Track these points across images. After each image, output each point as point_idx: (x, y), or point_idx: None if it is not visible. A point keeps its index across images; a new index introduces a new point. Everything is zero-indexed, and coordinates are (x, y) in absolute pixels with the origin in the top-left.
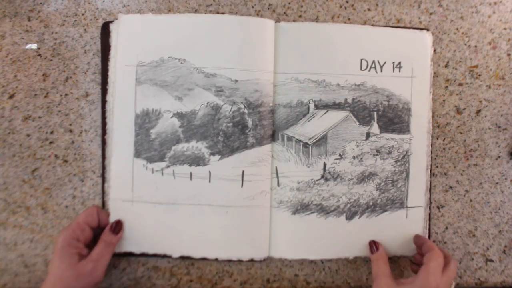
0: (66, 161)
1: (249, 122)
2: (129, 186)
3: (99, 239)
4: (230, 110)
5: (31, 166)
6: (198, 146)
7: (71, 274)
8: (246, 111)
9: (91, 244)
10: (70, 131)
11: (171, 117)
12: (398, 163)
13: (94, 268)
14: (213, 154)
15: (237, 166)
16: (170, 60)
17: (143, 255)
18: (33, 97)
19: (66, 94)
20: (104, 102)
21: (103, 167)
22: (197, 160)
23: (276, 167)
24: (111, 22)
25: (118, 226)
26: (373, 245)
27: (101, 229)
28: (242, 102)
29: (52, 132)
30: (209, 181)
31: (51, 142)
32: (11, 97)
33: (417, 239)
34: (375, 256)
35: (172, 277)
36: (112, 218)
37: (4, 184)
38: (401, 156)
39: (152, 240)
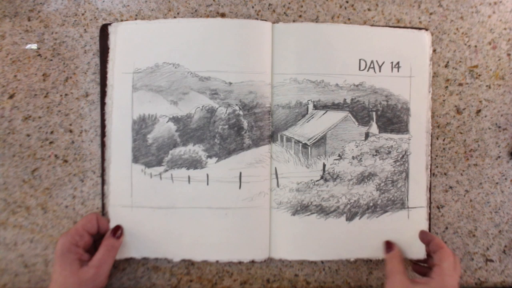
0: (66, 161)
1: (245, 124)
2: (128, 192)
3: (100, 245)
4: (225, 113)
5: (31, 166)
6: (195, 149)
7: (74, 281)
8: (241, 112)
9: (92, 251)
10: (70, 131)
11: (167, 122)
12: (398, 163)
13: (96, 273)
14: (210, 156)
15: (234, 168)
16: (164, 66)
17: (144, 259)
18: (33, 97)
19: (66, 94)
20: (103, 104)
21: (103, 170)
22: (194, 163)
23: (275, 168)
24: (109, 24)
25: (119, 231)
26: (388, 245)
27: (101, 236)
28: (237, 104)
29: (52, 132)
30: (207, 184)
31: (51, 142)
32: (11, 97)
33: (424, 236)
34: (390, 255)
35: (172, 277)
36: (112, 224)
37: (4, 184)
38: (400, 156)
39: (152, 244)
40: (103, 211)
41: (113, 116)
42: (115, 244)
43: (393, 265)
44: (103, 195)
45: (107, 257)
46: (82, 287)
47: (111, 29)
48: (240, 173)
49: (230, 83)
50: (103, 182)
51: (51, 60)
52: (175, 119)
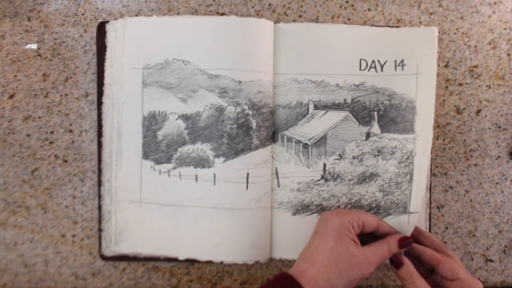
0: (66, 161)
1: (254, 124)
2: (137, 187)
3: (382, 240)
4: (234, 112)
5: (31, 166)
6: (203, 148)
7: (349, 260)
8: (250, 112)
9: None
10: (70, 131)
11: (176, 119)
12: (402, 164)
13: (370, 261)
14: (217, 156)
15: (241, 169)
16: (174, 62)
17: (150, 257)
18: (33, 97)
19: (66, 94)
20: (100, 104)
21: (99, 170)
22: (202, 162)
23: (276, 168)
24: (106, 22)
25: (407, 243)
26: (396, 259)
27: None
28: (246, 104)
29: (52, 132)
30: (214, 184)
31: (51, 142)
32: (11, 97)
33: (414, 250)
34: (405, 273)
35: (172, 277)
36: (120, 219)
37: (4, 184)
38: (405, 157)
39: (158, 241)
40: (100, 212)
41: (124, 112)
42: (395, 251)
43: (417, 287)
44: (99, 196)
45: (380, 256)
46: (355, 268)
47: (108, 27)
48: (248, 174)
49: (240, 82)
50: (99, 183)
51: (51, 60)
52: (184, 117)
